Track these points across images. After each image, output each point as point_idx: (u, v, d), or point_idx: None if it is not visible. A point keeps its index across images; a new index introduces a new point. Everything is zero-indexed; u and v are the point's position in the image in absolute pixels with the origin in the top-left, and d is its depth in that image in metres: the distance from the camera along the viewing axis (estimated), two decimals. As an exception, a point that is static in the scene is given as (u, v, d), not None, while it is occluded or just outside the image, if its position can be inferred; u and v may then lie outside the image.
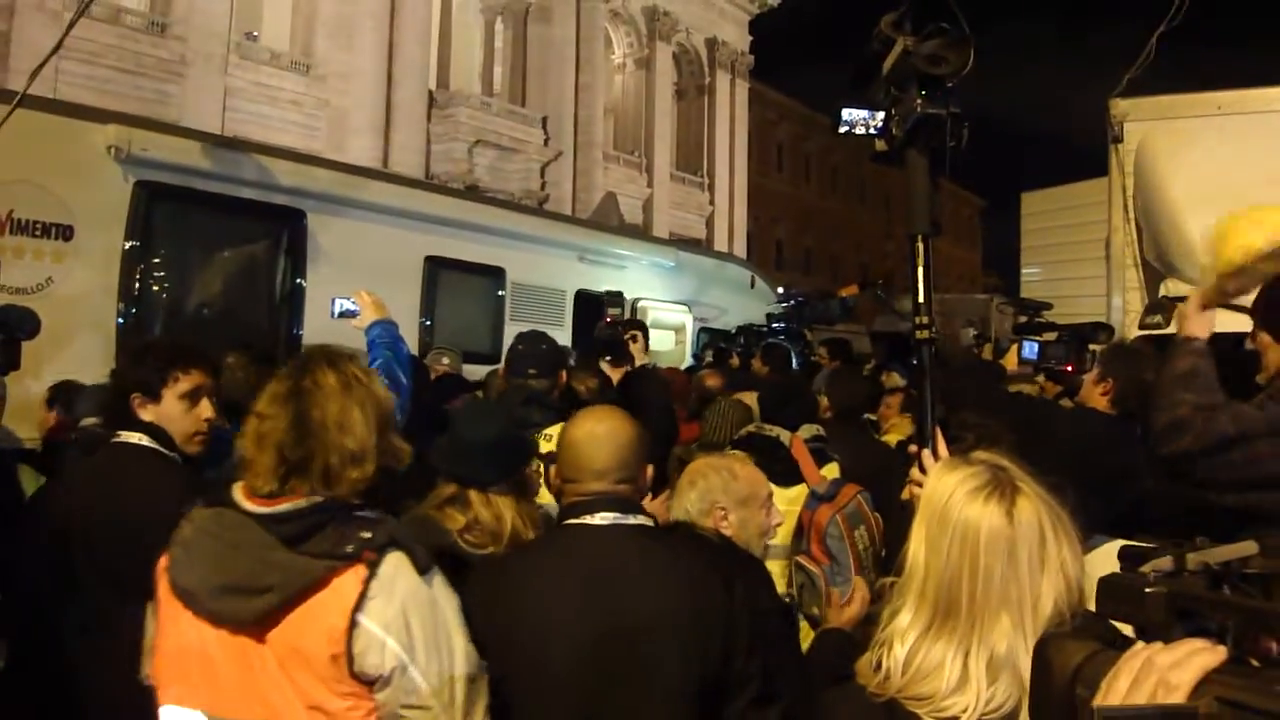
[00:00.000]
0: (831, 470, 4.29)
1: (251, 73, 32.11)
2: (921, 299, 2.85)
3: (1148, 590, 1.10)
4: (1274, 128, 5.24)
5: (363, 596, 1.95)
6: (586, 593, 2.36)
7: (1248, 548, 1.14)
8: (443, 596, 2.10)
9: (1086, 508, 1.89)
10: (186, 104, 29.09)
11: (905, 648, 1.76)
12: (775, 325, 10.59)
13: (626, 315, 9.27)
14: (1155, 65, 6.27)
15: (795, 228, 59.81)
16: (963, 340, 8.31)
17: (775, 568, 4.08)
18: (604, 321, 8.16)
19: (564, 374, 4.94)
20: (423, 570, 2.05)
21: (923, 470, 2.57)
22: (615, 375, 6.24)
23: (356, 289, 3.98)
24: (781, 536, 3.95)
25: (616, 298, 9.15)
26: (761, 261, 47.99)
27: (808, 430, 4.44)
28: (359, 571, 1.97)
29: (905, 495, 3.09)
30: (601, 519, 2.45)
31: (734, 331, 10.38)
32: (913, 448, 2.78)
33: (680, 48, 48.12)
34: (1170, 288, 5.46)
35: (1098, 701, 1.03)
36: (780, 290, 13.21)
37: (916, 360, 2.85)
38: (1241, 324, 4.59)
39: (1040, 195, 11.14)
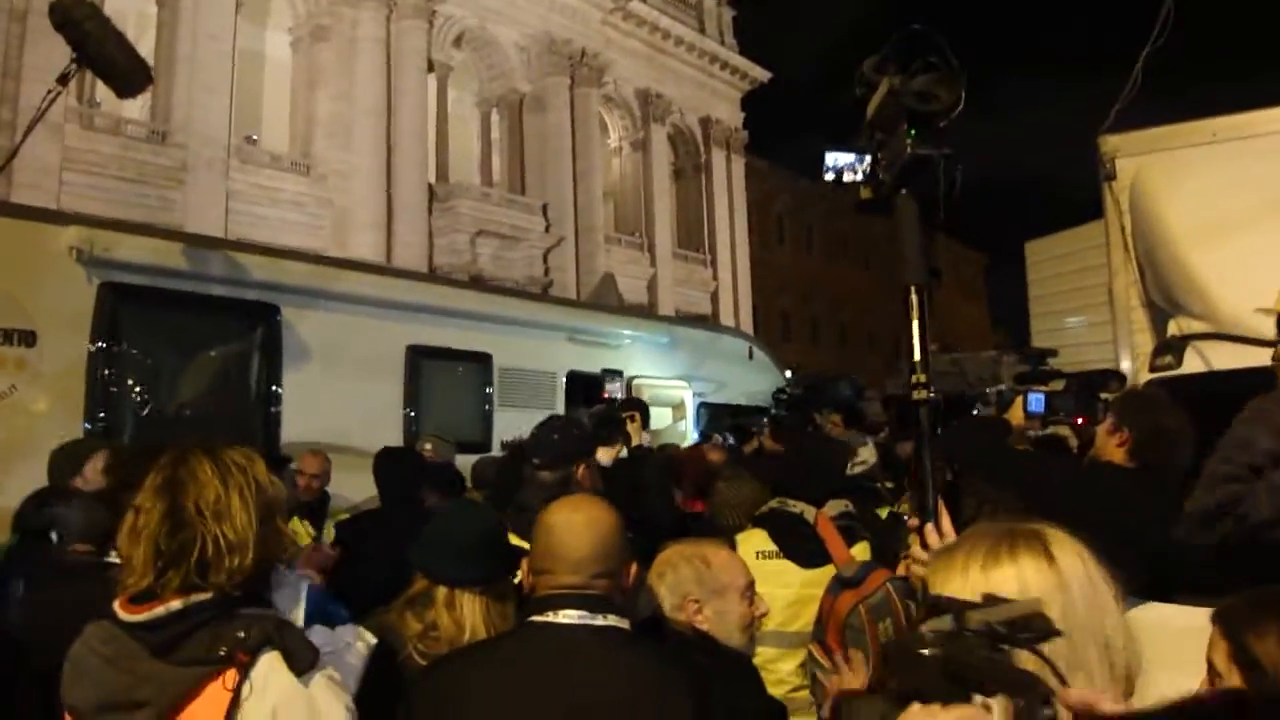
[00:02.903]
0: (862, 550, 3.99)
1: (252, 175, 32.42)
2: (918, 356, 2.56)
3: (922, 653, 1.06)
4: (1272, 150, 4.97)
5: (233, 703, 1.84)
6: (537, 701, 2.09)
7: (1032, 605, 1.12)
8: (324, 697, 1.95)
9: (1113, 571, 1.60)
10: (190, 209, 29.33)
11: None
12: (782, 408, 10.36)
13: (623, 394, 9.03)
14: (1144, 102, 6.07)
15: (800, 298, 59.88)
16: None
17: (797, 657, 3.80)
18: (600, 400, 7.92)
19: (581, 467, 4.54)
20: (300, 670, 1.92)
21: (925, 546, 2.29)
22: (606, 457, 5.92)
23: (335, 383, 3.74)
24: (803, 622, 3.73)
25: (614, 375, 8.94)
26: (768, 333, 47.99)
27: (835, 506, 4.16)
28: (229, 677, 1.86)
29: (902, 571, 2.80)
30: (565, 617, 2.17)
31: (746, 406, 10.17)
32: (912, 520, 2.49)
33: (674, 128, 48.63)
34: (1179, 326, 5.16)
35: None
36: (789, 374, 13.07)
37: (915, 423, 2.55)
38: (1249, 358, 4.31)
39: (1044, 243, 10.97)
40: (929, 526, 2.36)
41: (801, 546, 3.78)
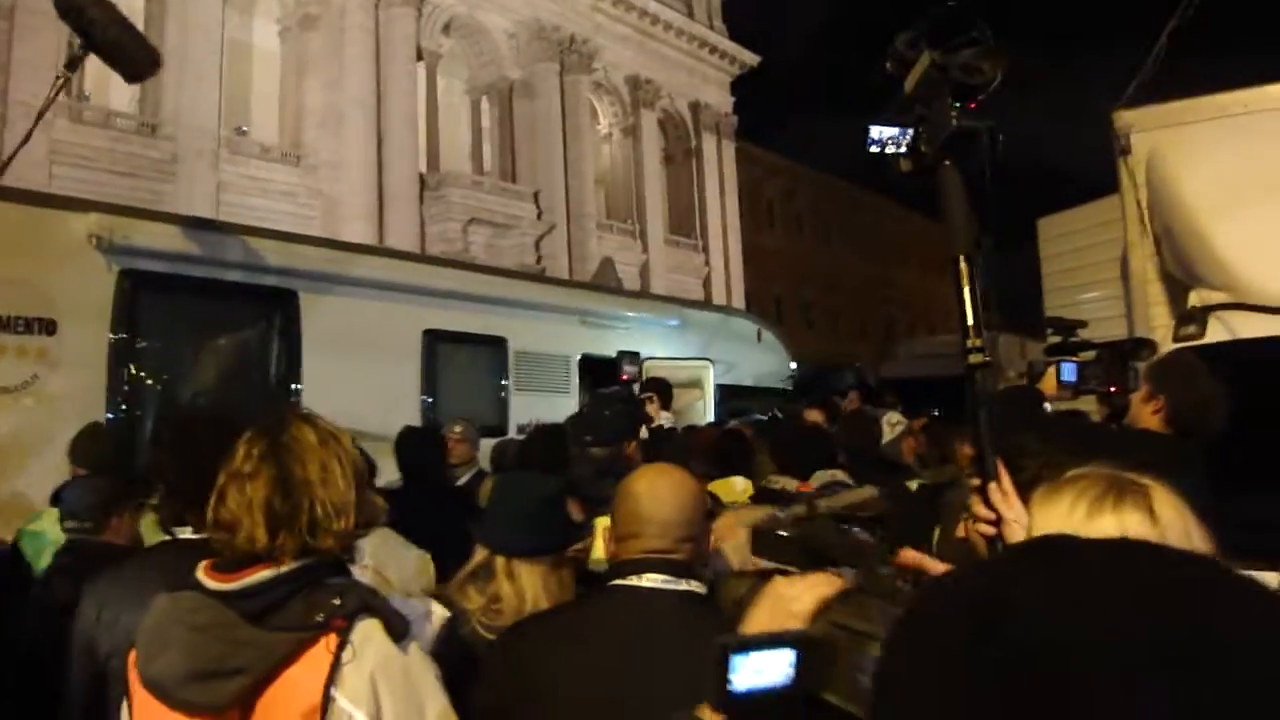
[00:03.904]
0: None
1: (243, 166, 32.29)
2: (971, 321, 2.58)
3: (783, 535, 1.27)
4: None
5: (334, 668, 1.85)
6: (622, 666, 2.09)
7: (866, 492, 1.39)
8: (418, 665, 1.98)
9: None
10: (180, 201, 29.12)
11: None
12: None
13: (639, 376, 9.04)
14: (1158, 79, 6.10)
15: (793, 282, 59.91)
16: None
17: None
18: (619, 382, 7.92)
19: (631, 444, 4.59)
20: (398, 637, 1.94)
21: (988, 505, 2.31)
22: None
23: (353, 368, 3.76)
24: None
25: (633, 358, 8.90)
26: (762, 318, 47.91)
27: (820, 478, 4.15)
28: (330, 641, 1.87)
29: (961, 533, 2.83)
30: (649, 581, 2.20)
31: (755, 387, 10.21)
32: (975, 481, 2.51)
33: (665, 113, 48.53)
34: (1200, 297, 5.20)
35: (741, 629, 1.19)
36: (794, 365, 13.14)
37: (970, 388, 2.58)
38: (1273, 327, 4.36)
39: (1057, 219, 10.96)
40: (992, 485, 2.36)
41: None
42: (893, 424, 6.43)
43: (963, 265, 2.58)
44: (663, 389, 7.12)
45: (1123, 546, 0.72)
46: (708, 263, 49.04)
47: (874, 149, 2.70)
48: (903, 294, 68.73)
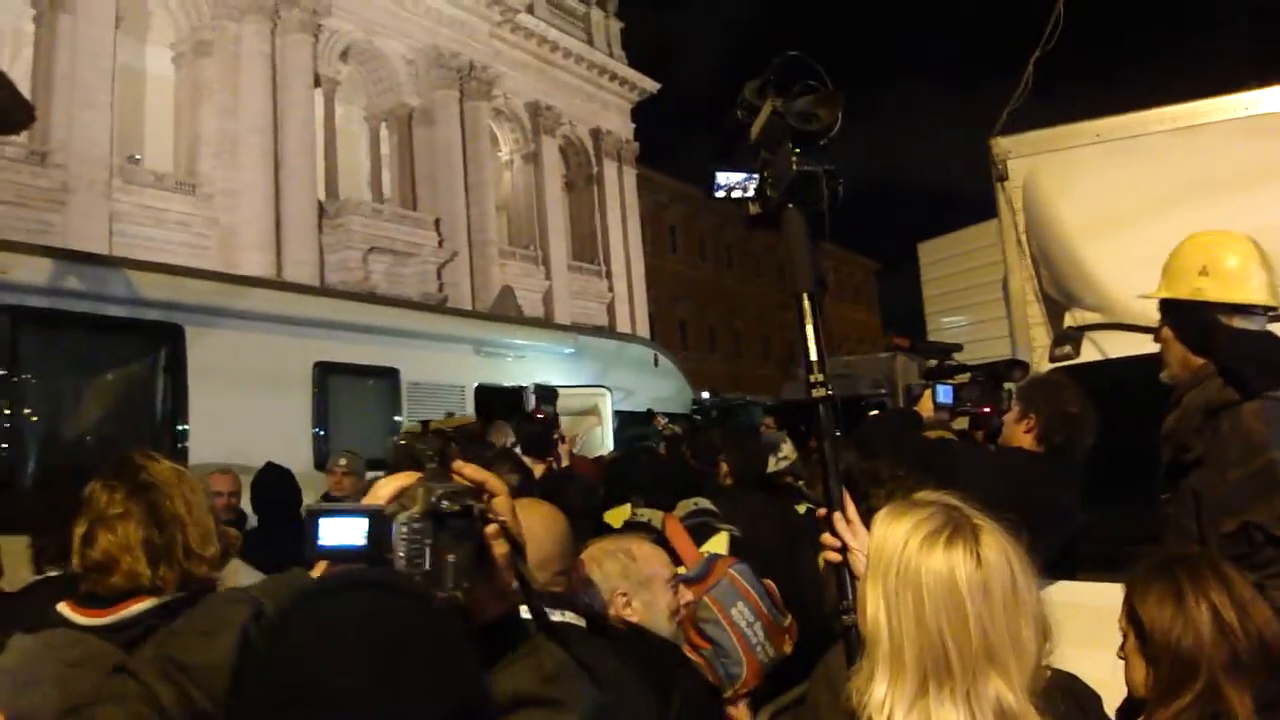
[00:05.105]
0: (718, 543, 4.01)
1: (136, 195, 31.41)
2: (814, 356, 2.72)
3: (400, 444, 1.85)
4: (1151, 150, 5.30)
5: None
6: None
7: (468, 418, 2.03)
8: None
9: (1031, 546, 1.79)
10: (70, 232, 28.25)
11: None
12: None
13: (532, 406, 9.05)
14: (1032, 106, 6.37)
15: (697, 307, 60.40)
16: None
17: None
18: (535, 416, 7.84)
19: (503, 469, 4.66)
20: None
21: (834, 534, 2.41)
22: (538, 470, 6.03)
23: (243, 402, 3.78)
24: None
25: (549, 394, 8.69)
26: (666, 342, 48.04)
27: (684, 506, 4.19)
28: None
29: (821, 562, 2.94)
30: (527, 615, 2.25)
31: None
32: (820, 511, 2.62)
33: (566, 140, 48.68)
34: (1075, 318, 5.45)
35: (364, 500, 1.42)
36: (705, 395, 13.23)
37: (816, 420, 2.70)
38: (1142, 346, 4.63)
39: (936, 244, 11.28)
40: (836, 515, 2.43)
41: (654, 554, 3.80)
42: (779, 458, 6.53)
43: (805, 303, 2.72)
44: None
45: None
46: (611, 288, 49.19)
47: (720, 194, 2.85)
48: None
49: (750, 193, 2.82)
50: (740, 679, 3.45)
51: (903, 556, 1.68)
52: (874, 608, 1.70)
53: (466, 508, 1.38)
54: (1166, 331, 3.45)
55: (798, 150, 2.63)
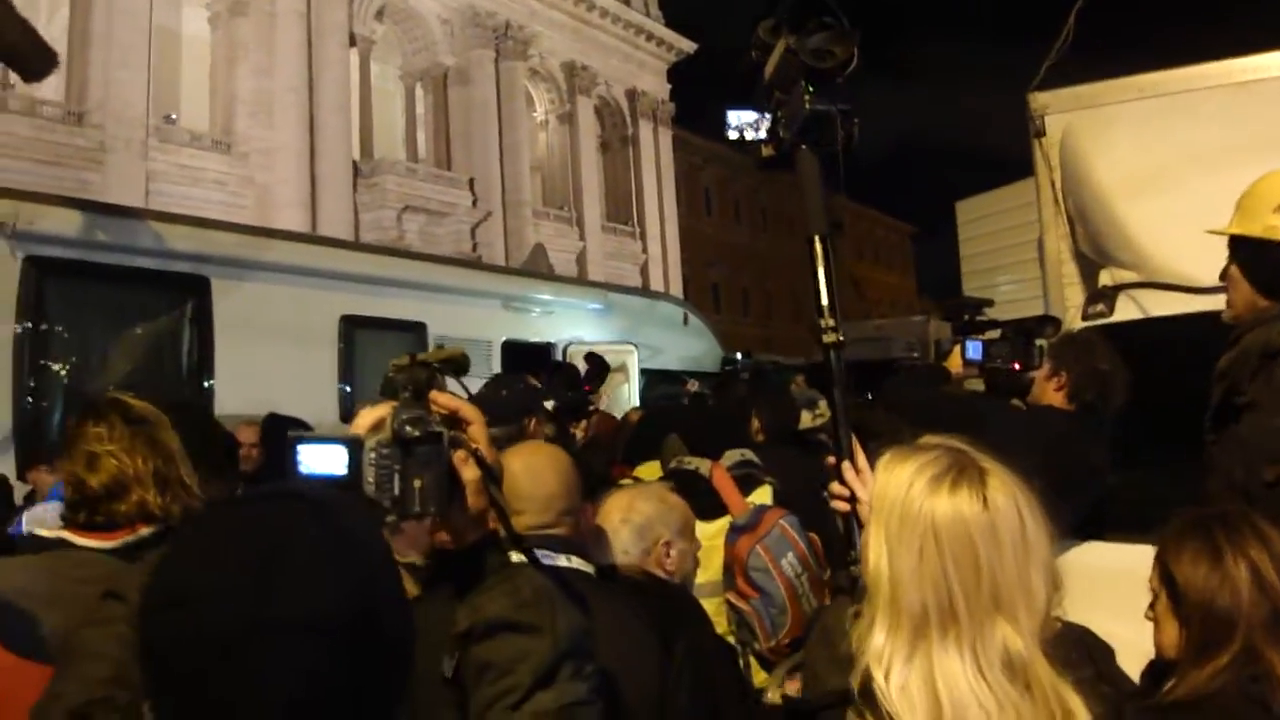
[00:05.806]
0: (763, 495, 4.00)
1: (173, 155, 31.74)
2: (825, 300, 2.65)
3: (390, 376, 1.48)
4: (1192, 106, 5.16)
5: None
6: None
7: (456, 349, 1.60)
8: None
9: (1056, 511, 1.72)
10: (108, 191, 28.47)
11: (896, 673, 1.57)
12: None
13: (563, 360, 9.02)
14: (1072, 67, 6.20)
15: (730, 269, 60.21)
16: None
17: (710, 606, 3.76)
18: (583, 387, 7.59)
19: (532, 421, 4.66)
20: None
21: (843, 483, 2.36)
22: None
23: (269, 355, 3.76)
24: (712, 572, 3.69)
25: (600, 369, 7.87)
26: (700, 304, 48.02)
27: (731, 456, 4.15)
28: None
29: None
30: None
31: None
32: (830, 459, 2.57)
33: (601, 100, 48.50)
34: (1111, 276, 5.32)
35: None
36: (739, 356, 13.14)
37: (825, 365, 2.64)
38: (1178, 305, 4.51)
39: (974, 202, 11.08)
40: (845, 464, 2.36)
41: (697, 501, 3.63)
42: (815, 414, 6.49)
43: (818, 246, 2.65)
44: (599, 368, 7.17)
45: None
46: (645, 250, 49.11)
47: (733, 134, 2.79)
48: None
49: (763, 133, 2.75)
50: (785, 628, 3.50)
51: (906, 500, 1.62)
52: (876, 554, 1.64)
53: (433, 434, 1.40)
54: (1234, 270, 3.25)
55: (811, 89, 2.55)
